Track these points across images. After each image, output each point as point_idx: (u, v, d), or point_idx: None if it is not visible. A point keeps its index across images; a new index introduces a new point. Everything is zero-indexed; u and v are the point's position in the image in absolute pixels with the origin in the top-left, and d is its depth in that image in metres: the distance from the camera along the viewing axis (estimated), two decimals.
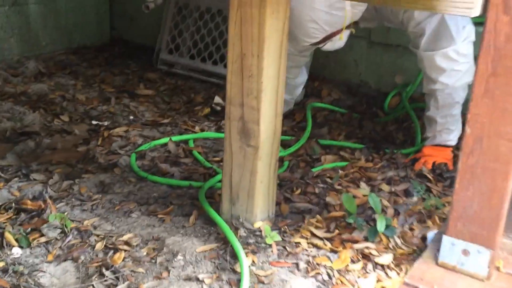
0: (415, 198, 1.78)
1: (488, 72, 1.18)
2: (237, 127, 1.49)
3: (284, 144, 2.16)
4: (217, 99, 2.53)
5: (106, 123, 2.34)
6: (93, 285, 1.33)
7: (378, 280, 1.35)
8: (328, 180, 1.89)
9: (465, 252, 1.30)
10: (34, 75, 2.80)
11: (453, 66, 1.93)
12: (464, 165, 1.25)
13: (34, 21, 2.99)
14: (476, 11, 1.14)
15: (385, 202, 1.71)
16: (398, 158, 2.10)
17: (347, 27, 1.97)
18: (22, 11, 2.91)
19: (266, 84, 1.43)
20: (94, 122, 2.35)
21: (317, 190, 1.81)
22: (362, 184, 1.81)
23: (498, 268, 1.35)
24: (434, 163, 2.02)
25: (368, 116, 2.55)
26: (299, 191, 1.81)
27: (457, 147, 2.09)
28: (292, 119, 2.46)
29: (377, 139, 2.34)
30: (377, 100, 2.70)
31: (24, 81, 2.72)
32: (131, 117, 2.44)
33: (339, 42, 2.03)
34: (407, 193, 1.82)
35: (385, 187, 1.85)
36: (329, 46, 2.04)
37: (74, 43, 3.21)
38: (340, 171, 1.96)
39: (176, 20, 3.02)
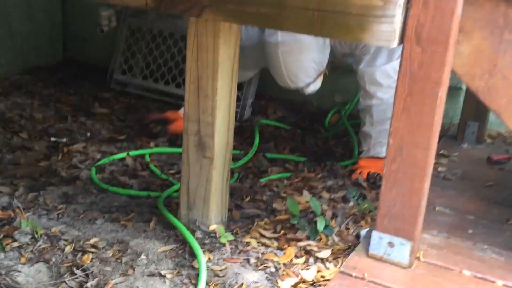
0: (351, 203, 2.01)
1: (406, 93, 1.43)
2: (194, 140, 1.68)
3: (234, 158, 2.36)
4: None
5: (64, 140, 2.47)
6: (65, 282, 1.47)
7: (318, 271, 1.56)
8: (275, 189, 2.10)
9: (391, 244, 1.53)
10: None
11: (390, 82, 2.18)
12: (388, 170, 1.49)
13: None
14: (395, 43, 1.38)
15: (325, 207, 1.94)
16: (337, 169, 2.33)
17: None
18: None
19: (219, 103, 1.63)
20: (53, 139, 2.47)
21: (264, 198, 2.02)
22: (305, 192, 2.02)
23: (418, 258, 1.59)
24: (368, 173, 2.26)
25: (311, 132, 2.80)
26: (248, 198, 2.01)
27: None
28: (241, 135, 2.66)
29: (318, 152, 2.58)
30: (318, 117, 2.95)
31: None
32: (88, 134, 2.57)
33: (318, 83, 2.24)
34: (344, 199, 2.05)
35: (325, 194, 2.08)
36: (312, 88, 2.24)
37: (29, 64, 3.30)
38: (285, 181, 2.18)
39: (129, 42, 3.18)
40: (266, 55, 2.18)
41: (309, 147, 2.64)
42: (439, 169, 2.25)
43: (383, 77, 2.16)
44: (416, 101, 1.42)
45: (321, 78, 2.23)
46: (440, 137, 2.59)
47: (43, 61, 3.39)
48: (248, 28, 2.30)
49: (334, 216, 1.88)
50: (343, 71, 2.85)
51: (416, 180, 1.47)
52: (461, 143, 2.53)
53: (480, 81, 1.45)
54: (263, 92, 3.06)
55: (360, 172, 2.28)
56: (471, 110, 2.50)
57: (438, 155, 2.40)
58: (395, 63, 2.15)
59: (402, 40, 1.39)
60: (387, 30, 1.35)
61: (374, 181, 2.21)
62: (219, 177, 1.72)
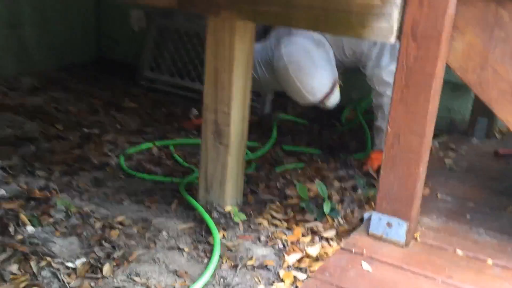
0: (359, 191, 2.14)
1: (402, 84, 1.56)
2: (212, 128, 1.84)
3: (253, 149, 2.52)
4: (194, 111, 2.89)
5: (96, 131, 2.67)
6: (95, 252, 1.65)
7: (322, 248, 1.70)
8: (288, 177, 2.25)
9: (389, 224, 1.67)
10: (29, 90, 3.11)
11: None
12: (387, 156, 1.63)
13: (29, 41, 3.31)
14: (392, 39, 1.52)
15: (334, 193, 2.07)
16: (350, 161, 2.46)
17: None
18: (19, 33, 3.23)
19: (235, 94, 1.79)
20: (85, 130, 2.67)
21: (278, 185, 2.17)
22: (316, 180, 2.16)
23: (415, 238, 1.72)
24: (379, 164, 2.39)
25: (327, 127, 2.93)
26: (263, 185, 2.16)
27: None
28: (261, 128, 2.82)
29: (333, 146, 2.72)
30: (335, 113, 3.08)
31: (21, 95, 3.03)
32: (118, 126, 2.77)
33: (337, 94, 2.34)
34: (353, 188, 2.18)
35: (336, 183, 2.22)
36: (332, 100, 2.34)
37: (64, 62, 3.52)
38: (299, 171, 2.32)
39: (157, 41, 3.37)
40: (280, 79, 2.30)
41: (324, 141, 2.78)
42: (446, 161, 2.36)
43: (390, 76, 2.29)
44: (412, 92, 1.55)
45: (338, 89, 2.35)
46: (451, 132, 2.74)
47: (77, 59, 3.61)
48: (261, 65, 2.46)
49: (341, 201, 2.01)
50: (358, 70, 2.97)
51: (412, 165, 1.60)
52: (471, 138, 2.64)
53: (472, 75, 1.57)
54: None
55: (371, 164, 2.40)
56: (481, 107, 2.60)
57: (447, 149, 2.52)
58: None
59: (399, 36, 1.53)
60: (385, 27, 1.49)
61: None
62: (234, 163, 1.88)
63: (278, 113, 3.03)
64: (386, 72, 2.30)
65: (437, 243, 1.71)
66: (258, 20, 1.67)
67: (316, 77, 2.25)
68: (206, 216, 1.81)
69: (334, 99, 2.35)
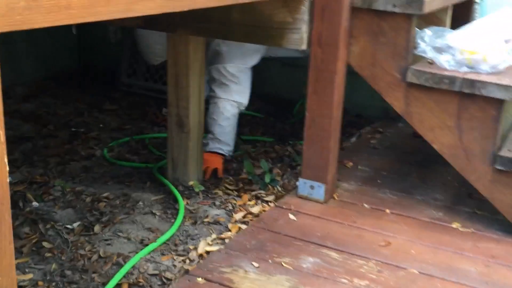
0: (299, 168, 2.66)
1: (314, 80, 2.08)
2: (175, 120, 2.35)
3: None
4: (165, 110, 3.38)
5: (82, 130, 3.15)
6: (87, 218, 2.15)
7: (262, 207, 2.21)
8: (240, 159, 2.75)
9: (312, 187, 2.18)
10: (23, 97, 3.58)
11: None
12: (306, 134, 2.15)
13: (20, 55, 3.78)
14: (304, 46, 2.03)
15: (277, 169, 2.59)
16: (297, 146, 2.98)
17: None
18: (11, 48, 3.70)
19: (192, 92, 2.30)
20: (73, 129, 3.15)
21: (234, 165, 2.68)
22: (261, 159, 2.65)
23: (334, 198, 2.24)
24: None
25: (281, 119, 3.45)
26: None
27: None
28: None
29: (285, 134, 3.23)
30: (289, 107, 3.60)
31: (16, 102, 3.50)
32: (101, 125, 3.25)
33: None
34: (294, 165, 2.70)
35: (280, 162, 2.73)
36: None
37: (51, 71, 4.00)
38: (252, 154, 2.83)
39: (133, 50, 3.86)
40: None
41: (278, 131, 3.29)
42: (371, 141, 2.90)
43: (217, 73, 2.59)
44: (321, 86, 2.07)
45: None
46: (384, 119, 3.26)
47: (63, 69, 4.09)
48: None
49: (282, 175, 2.53)
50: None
51: (325, 141, 2.12)
52: (398, 123, 3.17)
53: (367, 71, 2.10)
54: None
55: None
56: None
57: (375, 132, 3.05)
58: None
59: (309, 44, 2.05)
60: (297, 38, 2.01)
61: None
62: (194, 147, 2.38)
63: None
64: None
65: (350, 200, 2.23)
66: (205, 35, 2.18)
67: None
68: (173, 188, 2.32)
69: None
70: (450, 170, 2.16)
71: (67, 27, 4.08)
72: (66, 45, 4.11)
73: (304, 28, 1.99)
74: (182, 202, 2.23)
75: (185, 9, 1.35)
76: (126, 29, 3.81)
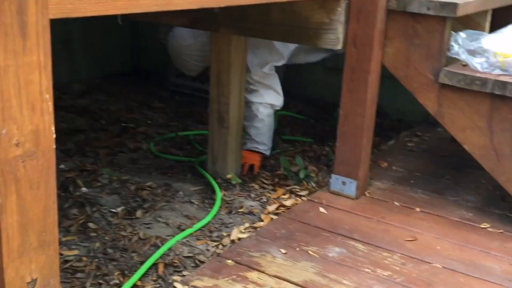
0: None
1: (348, 79, 2.16)
2: (216, 116, 2.47)
3: None
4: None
5: (131, 125, 3.33)
6: (130, 203, 2.29)
7: (295, 201, 2.30)
8: (278, 157, 2.85)
9: (344, 183, 2.26)
10: (78, 94, 3.81)
11: None
12: (340, 132, 2.23)
13: (77, 54, 4.03)
14: (339, 46, 2.11)
15: (313, 167, 2.67)
16: (335, 146, 3.04)
17: None
18: (69, 48, 3.95)
19: (232, 89, 2.42)
20: (123, 124, 3.34)
21: (272, 162, 2.77)
22: (296, 156, 2.74)
23: (365, 195, 2.30)
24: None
25: (321, 121, 3.52)
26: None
27: None
28: None
29: (325, 136, 3.31)
30: (330, 110, 3.67)
31: (72, 98, 3.73)
32: (149, 121, 3.43)
33: None
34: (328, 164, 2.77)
35: (317, 161, 2.81)
36: None
37: (105, 71, 4.23)
38: (291, 152, 2.92)
39: None
40: None
41: (318, 132, 3.37)
42: (409, 144, 2.93)
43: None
44: (355, 84, 2.15)
45: None
46: (424, 124, 3.28)
47: (116, 69, 4.31)
48: None
49: (317, 172, 2.60)
50: None
51: (357, 138, 2.19)
52: (437, 128, 3.19)
53: (400, 71, 2.16)
54: (287, 90, 3.82)
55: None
56: None
57: (413, 135, 3.08)
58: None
59: (345, 44, 2.13)
60: (333, 38, 2.10)
61: None
62: (233, 142, 2.50)
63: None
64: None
65: (381, 198, 2.29)
66: (246, 34, 2.30)
67: None
68: (212, 180, 2.44)
69: None
70: (485, 174, 2.17)
71: (120, 30, 4.31)
72: (121, 47, 4.33)
73: (340, 29, 2.08)
74: (219, 193, 2.34)
75: (222, 5, 1.47)
76: None
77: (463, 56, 2.05)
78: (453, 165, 2.66)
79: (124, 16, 2.07)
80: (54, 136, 1.02)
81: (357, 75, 2.13)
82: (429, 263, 1.84)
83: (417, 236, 2.00)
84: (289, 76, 3.63)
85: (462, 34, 2.08)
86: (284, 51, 2.64)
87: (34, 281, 1.06)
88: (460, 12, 2.00)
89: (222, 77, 2.41)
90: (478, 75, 2.00)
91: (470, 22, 2.39)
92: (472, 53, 2.06)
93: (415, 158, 2.75)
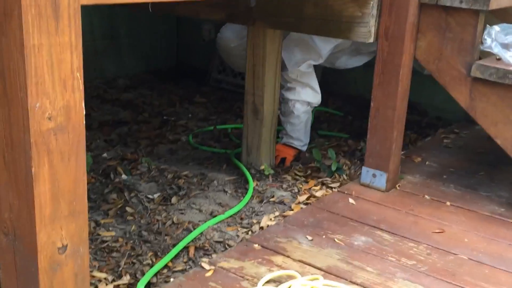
0: None
1: (380, 72, 2.18)
2: (251, 107, 2.54)
3: None
4: None
5: (172, 118, 3.44)
6: (166, 190, 2.39)
7: (326, 192, 2.34)
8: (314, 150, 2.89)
9: (374, 175, 2.28)
10: (123, 88, 3.96)
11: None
12: (371, 124, 2.25)
13: (124, 50, 4.18)
14: (371, 39, 2.14)
15: (346, 160, 2.69)
16: None
17: None
18: (116, 43, 4.11)
19: (267, 82, 2.48)
20: (165, 117, 3.45)
21: (306, 155, 2.82)
22: (329, 149, 2.76)
23: (396, 187, 2.31)
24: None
25: (359, 118, 3.53)
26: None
27: None
28: None
29: (361, 132, 3.31)
30: (368, 107, 3.67)
31: (117, 92, 3.88)
32: (190, 115, 3.53)
33: None
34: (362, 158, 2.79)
35: (351, 155, 2.83)
36: None
37: (150, 66, 4.37)
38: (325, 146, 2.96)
39: None
40: None
41: (355, 128, 3.38)
42: (445, 140, 2.91)
43: (282, 79, 2.64)
44: (386, 78, 2.17)
45: None
46: (464, 121, 3.24)
47: (161, 64, 4.45)
48: None
49: (350, 165, 2.63)
50: None
51: (388, 131, 2.21)
52: (476, 125, 3.14)
53: (432, 65, 2.16)
54: (326, 87, 3.85)
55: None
56: None
57: (450, 132, 3.05)
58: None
59: (376, 37, 2.15)
60: (365, 31, 2.12)
61: None
62: (267, 134, 2.56)
63: None
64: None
65: (412, 191, 2.29)
66: (280, 28, 2.35)
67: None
68: (245, 170, 2.51)
69: None
70: None
71: (166, 26, 4.44)
72: (165, 43, 4.47)
73: (372, 22, 2.10)
74: (252, 183, 2.41)
75: None
76: (218, 29, 4.08)
77: (496, 50, 2.04)
78: (489, 162, 2.63)
79: (167, 13, 2.16)
80: (84, 112, 1.10)
81: (389, 68, 2.15)
82: (455, 254, 1.84)
83: (445, 228, 2.00)
84: (328, 73, 3.66)
85: (496, 28, 2.07)
86: (322, 49, 2.66)
87: (64, 247, 1.15)
88: (493, 6, 1.99)
89: (257, 70, 2.48)
90: (511, 68, 1.98)
91: (506, 16, 2.37)
92: (506, 46, 2.04)
93: (450, 155, 2.73)
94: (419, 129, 3.30)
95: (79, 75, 1.06)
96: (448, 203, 2.19)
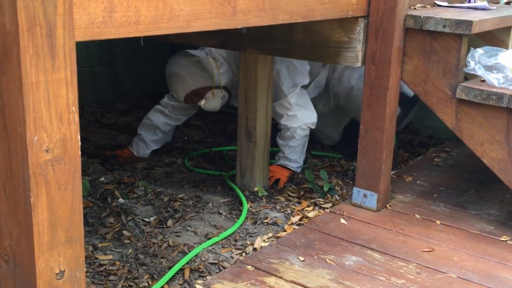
0: None
1: (368, 94, 2.24)
2: (244, 131, 2.60)
3: None
4: None
5: (168, 141, 3.49)
6: (162, 213, 2.44)
7: (318, 213, 2.38)
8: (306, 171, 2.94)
9: (365, 196, 2.33)
10: (121, 112, 4.03)
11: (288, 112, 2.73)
12: (361, 146, 2.31)
13: (121, 75, 4.26)
14: (358, 64, 2.21)
15: (339, 180, 2.74)
16: None
17: (217, 87, 2.77)
18: (113, 68, 4.19)
19: (259, 106, 2.54)
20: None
21: (300, 176, 2.87)
22: (321, 170, 2.82)
23: (387, 207, 2.36)
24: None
25: (352, 138, 3.59)
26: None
27: None
28: None
29: (354, 152, 3.35)
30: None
31: (115, 116, 3.94)
32: (186, 138, 3.59)
33: (213, 100, 2.80)
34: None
35: (342, 175, 2.88)
36: (205, 103, 2.79)
37: (147, 90, 4.45)
38: (318, 167, 3.01)
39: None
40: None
41: (347, 148, 3.44)
42: (436, 159, 2.97)
43: (281, 108, 2.71)
44: (374, 100, 2.23)
45: (213, 95, 2.79)
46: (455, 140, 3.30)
47: (157, 87, 4.52)
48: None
49: (342, 186, 2.68)
50: None
51: (377, 152, 2.27)
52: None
53: (419, 87, 2.23)
54: None
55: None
56: None
57: (441, 151, 3.11)
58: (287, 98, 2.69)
59: (364, 62, 2.22)
60: (352, 56, 2.20)
61: None
62: (260, 156, 2.61)
63: None
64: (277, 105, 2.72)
65: (402, 211, 2.34)
66: (270, 54, 2.43)
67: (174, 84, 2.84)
68: (239, 192, 2.56)
69: (207, 104, 2.82)
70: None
71: (163, 51, 4.53)
72: (161, 68, 4.54)
73: (358, 47, 2.18)
74: (246, 205, 2.46)
75: (238, 26, 1.60)
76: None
77: (480, 72, 2.11)
78: (479, 180, 2.69)
79: (160, 41, 2.22)
80: (80, 144, 1.16)
81: (377, 91, 2.22)
82: (444, 273, 1.88)
83: (435, 247, 2.05)
84: None
85: (480, 50, 2.14)
86: (304, 70, 2.76)
87: (62, 272, 1.19)
88: (475, 30, 2.06)
89: (249, 94, 2.54)
90: (495, 90, 2.05)
91: (493, 39, 2.45)
92: (489, 69, 2.11)
93: (441, 173, 2.78)
94: (411, 148, 3.36)
95: (74, 109, 1.11)
96: (438, 222, 2.24)
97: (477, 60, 2.11)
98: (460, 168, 2.85)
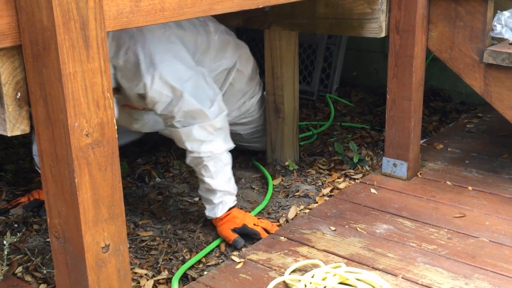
0: None
1: (393, 64, 2.26)
2: (272, 107, 2.64)
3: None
4: None
5: None
6: (197, 190, 2.52)
7: (349, 184, 2.43)
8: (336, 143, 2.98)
9: (395, 165, 2.36)
10: None
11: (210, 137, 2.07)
12: (388, 116, 2.33)
13: None
14: (382, 34, 2.22)
15: (369, 151, 2.77)
16: None
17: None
18: None
19: (286, 82, 2.58)
20: None
21: (330, 149, 2.91)
22: (350, 141, 2.85)
23: (417, 175, 2.39)
24: None
25: (382, 109, 3.60)
26: (318, 149, 2.92)
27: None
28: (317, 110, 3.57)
29: (384, 122, 3.38)
30: None
31: None
32: None
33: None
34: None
35: (374, 146, 2.91)
36: None
37: None
38: (348, 139, 3.05)
39: None
40: None
41: (377, 118, 3.46)
42: (468, 126, 2.96)
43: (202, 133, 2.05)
44: (400, 69, 2.25)
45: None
46: (484, 105, 3.28)
47: None
48: None
49: (373, 156, 2.71)
50: None
51: (405, 121, 2.29)
52: None
53: (445, 54, 2.23)
54: (348, 80, 3.93)
55: None
56: None
57: (474, 117, 3.10)
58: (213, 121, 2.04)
59: (388, 32, 2.23)
60: (376, 27, 2.21)
61: None
62: (290, 131, 2.66)
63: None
64: (197, 128, 2.05)
65: (433, 178, 2.36)
66: (295, 29, 2.45)
67: None
68: (263, 169, 2.62)
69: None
70: None
71: None
72: None
73: (382, 18, 2.19)
74: (271, 181, 2.51)
75: (260, 6, 1.64)
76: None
77: (507, 35, 2.09)
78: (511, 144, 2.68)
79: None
80: (116, 127, 1.23)
81: (402, 60, 2.23)
82: (476, 237, 1.91)
83: (466, 213, 2.07)
84: (349, 64, 3.74)
85: (506, 13, 2.12)
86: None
87: (107, 246, 1.28)
88: None
89: (276, 71, 2.58)
90: None
91: None
92: None
93: (473, 139, 2.78)
94: (443, 115, 3.35)
95: (109, 95, 1.19)
96: (469, 188, 2.26)
97: (504, 23, 2.10)
98: (493, 133, 2.84)
